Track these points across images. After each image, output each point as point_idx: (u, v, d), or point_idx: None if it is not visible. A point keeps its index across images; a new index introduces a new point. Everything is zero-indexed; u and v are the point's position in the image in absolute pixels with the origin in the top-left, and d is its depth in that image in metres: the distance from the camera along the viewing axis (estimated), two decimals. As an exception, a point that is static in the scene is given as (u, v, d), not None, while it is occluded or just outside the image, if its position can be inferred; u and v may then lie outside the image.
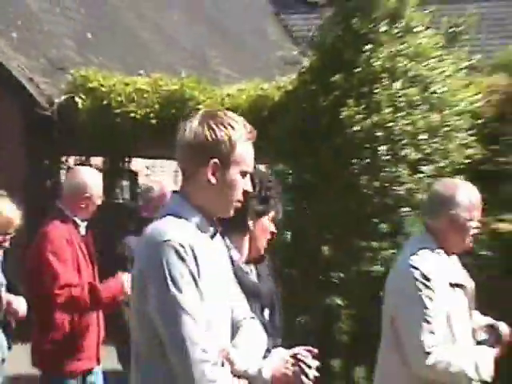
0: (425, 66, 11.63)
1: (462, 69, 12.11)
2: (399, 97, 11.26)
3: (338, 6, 12.26)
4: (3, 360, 6.96)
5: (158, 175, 16.81)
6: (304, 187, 11.53)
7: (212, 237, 4.01)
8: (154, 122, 14.54)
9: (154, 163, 17.31)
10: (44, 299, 7.04)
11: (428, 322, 5.32)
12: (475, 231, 5.68)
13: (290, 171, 11.91)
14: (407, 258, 5.57)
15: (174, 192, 4.12)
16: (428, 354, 5.28)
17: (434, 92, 11.50)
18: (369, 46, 11.47)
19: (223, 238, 4.26)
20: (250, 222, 5.12)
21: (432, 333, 5.31)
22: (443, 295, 5.44)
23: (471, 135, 11.52)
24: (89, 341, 7.27)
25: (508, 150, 11.11)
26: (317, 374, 4.01)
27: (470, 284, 5.74)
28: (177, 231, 3.78)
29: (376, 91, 11.26)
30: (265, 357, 4.28)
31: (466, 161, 11.30)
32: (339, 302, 11.06)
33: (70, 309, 7.06)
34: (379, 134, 11.04)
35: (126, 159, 16.04)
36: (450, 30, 12.54)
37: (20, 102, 15.30)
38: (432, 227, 5.65)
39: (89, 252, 7.39)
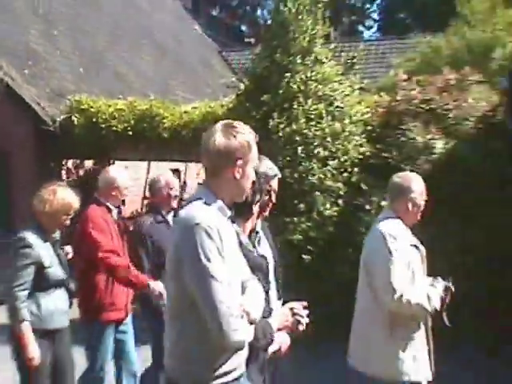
0: (329, 87, 11.70)
1: (355, 90, 12.19)
2: (311, 111, 11.33)
3: (265, 45, 12.29)
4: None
5: (135, 173, 16.64)
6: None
7: (229, 219, 4.00)
8: (130, 133, 14.43)
9: (131, 164, 17.19)
10: (89, 264, 6.99)
11: (396, 267, 5.37)
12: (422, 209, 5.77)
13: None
14: (379, 225, 5.65)
15: (200, 184, 4.08)
16: (395, 291, 5.34)
17: (337, 107, 11.58)
18: (288, 74, 11.52)
19: (233, 223, 4.21)
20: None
21: (399, 275, 5.37)
22: (406, 250, 5.51)
23: (363, 138, 11.62)
24: (120, 297, 7.20)
25: (389, 148, 11.15)
26: (307, 321, 4.10)
27: (422, 248, 5.79)
28: (205, 215, 3.75)
29: (294, 107, 11.32)
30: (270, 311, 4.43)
31: (360, 157, 11.41)
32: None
33: (109, 270, 7.00)
34: (297, 138, 11.10)
35: (111, 161, 15.92)
36: (347, 61, 12.55)
37: (31, 120, 15.20)
38: (395, 208, 5.72)
39: (120, 232, 7.29)
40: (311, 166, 11.01)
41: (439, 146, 10.98)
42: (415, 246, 5.68)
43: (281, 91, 11.44)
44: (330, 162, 11.14)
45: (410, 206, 5.67)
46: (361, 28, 44.01)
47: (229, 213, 3.96)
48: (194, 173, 17.01)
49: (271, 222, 11.09)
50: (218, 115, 13.58)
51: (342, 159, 11.29)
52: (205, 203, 3.86)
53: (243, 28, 42.73)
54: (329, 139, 11.20)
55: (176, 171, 18.06)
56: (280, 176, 5.36)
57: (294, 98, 11.37)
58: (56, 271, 6.29)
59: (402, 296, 5.35)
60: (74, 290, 6.71)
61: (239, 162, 3.89)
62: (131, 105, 14.89)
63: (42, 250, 6.21)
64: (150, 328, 7.50)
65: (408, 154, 10.96)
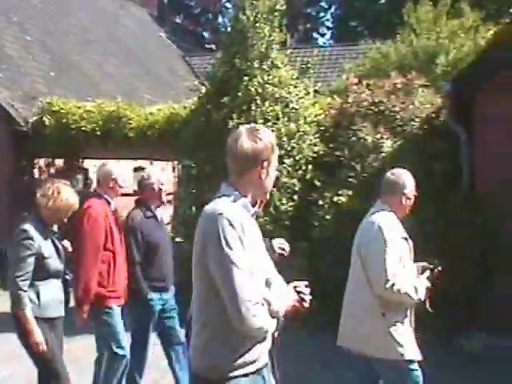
0: (285, 90, 11.77)
1: (309, 92, 12.28)
2: (268, 112, 11.39)
3: (225, 50, 12.34)
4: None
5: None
6: (202, 175, 11.54)
7: (253, 216, 3.89)
8: (98, 133, 14.41)
9: (99, 162, 17.13)
10: (83, 256, 6.91)
11: (389, 257, 5.44)
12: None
13: (193, 164, 11.91)
14: (374, 217, 5.70)
15: (225, 182, 3.93)
16: (388, 280, 5.40)
17: (292, 108, 11.66)
18: (246, 78, 11.57)
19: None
20: None
21: (392, 265, 5.44)
22: (398, 241, 5.57)
23: (317, 138, 11.70)
24: (120, 284, 7.09)
25: (340, 147, 11.24)
26: (310, 297, 4.00)
27: (410, 240, 5.85)
28: (228, 207, 3.69)
29: (252, 109, 11.38)
30: None
31: (314, 155, 11.50)
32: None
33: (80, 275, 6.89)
34: (255, 138, 11.13)
35: (80, 160, 15.89)
36: (302, 66, 12.63)
37: (5, 121, 15.14)
38: (388, 202, 5.76)
39: (117, 223, 7.18)
40: (268, 164, 11.04)
41: (387, 145, 11.09)
42: (405, 238, 5.76)
43: (240, 94, 11.49)
44: (286, 161, 11.21)
45: (403, 200, 5.76)
46: (315, 35, 44.08)
47: (253, 209, 3.87)
48: (159, 170, 16.96)
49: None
50: (182, 117, 13.61)
51: (297, 157, 11.37)
52: (229, 199, 3.78)
53: (205, 34, 42.64)
54: (284, 139, 11.27)
55: (141, 169, 17.99)
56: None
57: (252, 101, 11.43)
58: (54, 262, 6.25)
59: (393, 285, 5.42)
60: (70, 281, 6.68)
61: (265, 164, 3.82)
62: (99, 106, 14.87)
63: (42, 241, 6.17)
64: (136, 316, 7.40)
65: (358, 152, 11.06)
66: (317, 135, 11.73)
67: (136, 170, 15.88)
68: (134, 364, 7.26)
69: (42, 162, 15.88)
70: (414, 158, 10.75)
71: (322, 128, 11.89)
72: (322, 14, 43.53)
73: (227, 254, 3.59)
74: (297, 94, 11.89)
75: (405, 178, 5.81)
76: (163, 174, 14.88)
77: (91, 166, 16.82)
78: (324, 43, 39.34)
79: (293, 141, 11.37)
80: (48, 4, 23.69)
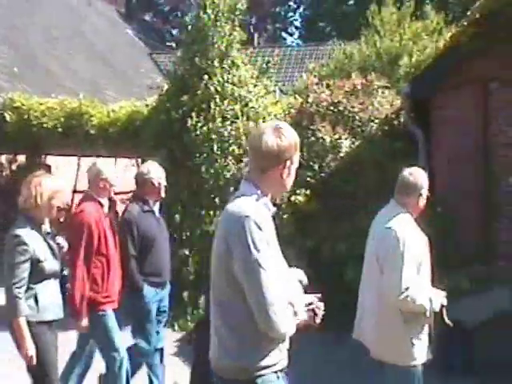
0: (245, 89, 11.79)
1: (270, 92, 12.32)
2: (227, 111, 11.42)
3: (186, 49, 12.34)
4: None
5: (65, 167, 16.52)
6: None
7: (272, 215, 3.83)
8: (60, 130, 14.31)
9: (61, 158, 17.00)
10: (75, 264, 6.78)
11: (405, 268, 5.37)
12: None
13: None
14: (392, 223, 5.58)
15: (245, 180, 3.88)
16: (402, 292, 5.35)
17: (252, 107, 11.68)
18: (206, 76, 11.58)
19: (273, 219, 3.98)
20: None
21: (406, 277, 5.36)
22: (415, 248, 5.49)
23: (276, 137, 11.73)
24: (113, 289, 7.00)
25: (300, 147, 11.19)
26: (323, 313, 3.90)
27: (426, 239, 5.79)
28: (254, 208, 3.62)
29: (211, 107, 11.38)
30: None
31: (273, 154, 11.51)
32: (187, 252, 11.17)
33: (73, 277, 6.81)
34: (213, 136, 11.18)
35: (42, 156, 15.80)
36: (263, 66, 12.66)
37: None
38: (405, 202, 5.67)
39: (111, 225, 7.06)
40: (226, 163, 11.11)
41: (346, 145, 11.15)
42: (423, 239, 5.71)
43: (199, 92, 11.51)
44: (244, 160, 11.23)
45: (420, 201, 5.69)
46: (285, 35, 44.22)
47: (273, 209, 3.82)
48: (123, 166, 16.92)
49: (189, 214, 11.26)
50: (143, 114, 13.57)
51: (256, 157, 11.38)
52: (252, 198, 3.71)
53: (174, 32, 42.58)
54: (243, 138, 11.30)
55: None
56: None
57: (211, 99, 11.45)
58: (50, 263, 6.05)
59: (407, 296, 5.36)
60: (67, 280, 6.65)
61: (288, 163, 3.77)
62: (62, 103, 14.77)
63: (36, 244, 5.97)
64: (132, 313, 7.35)
65: (316, 152, 11.11)
66: (276, 134, 11.76)
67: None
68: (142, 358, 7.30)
69: (3, 158, 15.78)
70: (372, 159, 10.86)
71: (282, 127, 11.92)
72: (290, 14, 43.64)
73: (255, 258, 3.53)
74: (257, 94, 11.91)
75: (422, 179, 5.71)
76: (128, 172, 14.93)
77: (53, 161, 16.82)
78: (292, 43, 39.36)
79: (251, 140, 11.38)
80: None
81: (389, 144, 11.01)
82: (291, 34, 44.30)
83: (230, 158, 11.14)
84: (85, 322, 6.75)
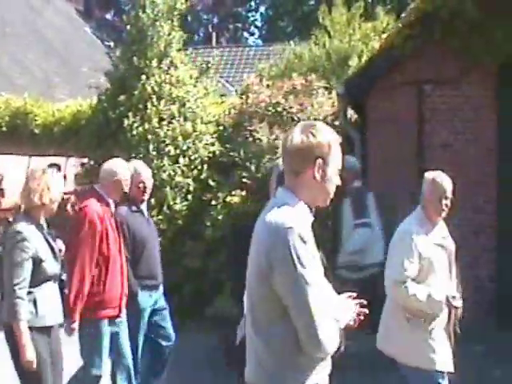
0: (183, 90, 11.76)
1: (209, 92, 12.32)
2: (164, 111, 11.38)
3: (125, 48, 12.30)
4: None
5: (11, 166, 16.37)
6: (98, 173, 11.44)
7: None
8: (4, 129, 14.18)
9: (12, 158, 16.86)
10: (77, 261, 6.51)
11: (407, 261, 5.43)
12: None
13: (92, 162, 11.83)
14: (406, 224, 5.72)
15: (282, 187, 3.59)
16: (399, 275, 5.42)
17: (189, 108, 11.65)
18: (144, 77, 11.52)
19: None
20: None
21: (406, 268, 5.42)
22: (424, 249, 5.51)
23: (215, 138, 11.73)
24: (115, 294, 6.68)
25: (236, 148, 11.25)
26: (366, 311, 3.73)
27: (451, 246, 5.78)
28: (295, 219, 3.36)
29: (148, 107, 11.34)
30: None
31: (210, 155, 11.52)
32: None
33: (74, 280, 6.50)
34: (149, 137, 11.14)
35: (-13, 155, 15.68)
36: (202, 66, 12.63)
37: None
38: (423, 203, 5.73)
39: (116, 226, 6.79)
40: (162, 164, 11.06)
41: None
42: (440, 245, 5.68)
43: (136, 92, 11.45)
44: (181, 160, 11.21)
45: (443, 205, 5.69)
46: (246, 34, 44.21)
47: (311, 218, 3.55)
48: (73, 167, 16.80)
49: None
50: (88, 114, 13.48)
51: (193, 157, 11.38)
52: (291, 207, 3.44)
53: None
54: (180, 138, 11.28)
55: (55, 165, 17.80)
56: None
57: (148, 100, 11.39)
58: (51, 264, 5.81)
59: (403, 282, 5.39)
60: (65, 281, 6.34)
61: (319, 162, 3.46)
62: (7, 102, 14.64)
63: (38, 243, 5.73)
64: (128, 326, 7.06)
65: (253, 153, 11.09)
66: (215, 135, 11.75)
67: (50, 166, 15.70)
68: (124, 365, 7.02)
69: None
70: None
71: (221, 128, 11.91)
72: (252, 14, 43.67)
73: (301, 273, 3.30)
74: (195, 94, 11.88)
75: (445, 182, 5.72)
76: (75, 171, 14.81)
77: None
78: (253, 43, 39.32)
79: (188, 140, 11.36)
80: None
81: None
82: (252, 34, 44.32)
83: (166, 158, 11.09)
84: (75, 325, 6.46)
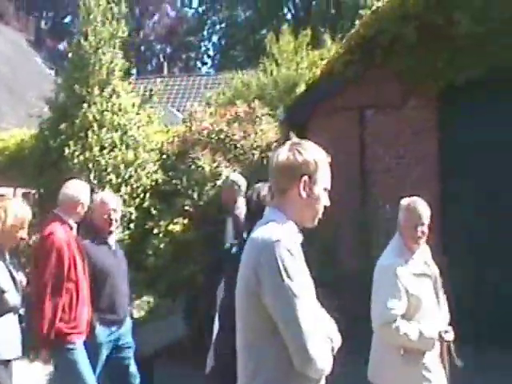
0: (125, 118, 11.65)
1: (153, 121, 12.23)
2: (105, 140, 11.25)
3: (67, 76, 12.18)
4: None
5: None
6: (42, 199, 11.22)
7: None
8: None
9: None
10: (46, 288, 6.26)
11: (394, 298, 5.20)
12: None
13: (33, 191, 11.67)
14: (386, 257, 5.49)
15: (269, 206, 3.55)
16: (386, 315, 5.19)
17: (131, 136, 11.53)
18: (85, 105, 11.39)
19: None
20: None
21: (393, 307, 5.19)
22: (409, 283, 5.28)
23: (157, 166, 11.63)
24: (83, 318, 6.48)
25: (179, 176, 11.16)
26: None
27: (435, 272, 5.58)
28: (282, 233, 3.31)
29: (89, 136, 11.19)
30: None
31: (152, 183, 11.41)
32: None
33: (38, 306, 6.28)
34: (90, 165, 10.99)
35: None
36: (145, 94, 12.55)
37: None
38: (400, 230, 5.50)
39: (80, 250, 6.53)
40: (104, 192, 10.91)
41: (225, 173, 11.05)
42: (424, 273, 5.47)
43: (77, 121, 11.31)
44: (123, 189, 11.07)
45: (415, 229, 5.45)
46: (199, 64, 44.35)
47: (300, 236, 3.48)
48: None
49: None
50: (31, 143, 13.31)
51: (135, 186, 11.26)
52: (278, 223, 3.39)
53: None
54: (122, 167, 11.14)
55: (1, 196, 17.51)
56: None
57: (89, 128, 11.25)
58: (13, 296, 5.62)
59: (392, 322, 5.18)
60: (23, 316, 5.99)
61: (304, 179, 3.42)
62: (-48, 131, 14.43)
63: (0, 273, 5.56)
64: None
65: (196, 180, 10.99)
66: (158, 163, 11.64)
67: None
68: None
69: None
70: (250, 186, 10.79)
71: (165, 156, 11.81)
72: (204, 44, 43.84)
73: (289, 287, 3.24)
74: (137, 122, 11.78)
75: (420, 208, 5.48)
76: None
77: None
78: (206, 72, 39.33)
79: (130, 169, 11.24)
80: None
81: (266, 172, 10.96)
82: (205, 64, 44.47)
83: (108, 187, 10.92)
84: (49, 354, 6.27)
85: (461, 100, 10.50)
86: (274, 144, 11.52)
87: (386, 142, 10.44)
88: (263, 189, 5.19)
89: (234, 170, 11.19)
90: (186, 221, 10.79)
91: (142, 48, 42.08)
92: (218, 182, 10.89)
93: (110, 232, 7.05)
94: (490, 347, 8.88)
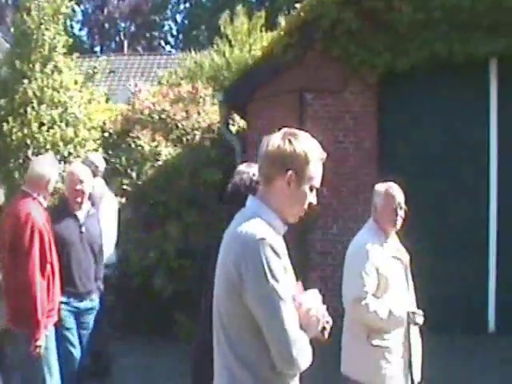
0: (66, 95, 11.53)
1: (94, 99, 12.14)
2: (43, 116, 11.13)
3: (9, 52, 12.07)
4: None
5: None
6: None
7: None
8: None
9: None
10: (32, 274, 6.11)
11: (365, 276, 5.25)
12: None
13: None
14: (359, 239, 5.54)
15: (252, 196, 3.39)
16: (357, 293, 5.24)
17: (72, 113, 11.42)
18: (26, 81, 11.27)
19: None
20: None
21: (364, 284, 5.24)
22: (381, 263, 5.32)
23: (99, 144, 11.54)
24: (56, 301, 6.37)
25: (119, 155, 11.12)
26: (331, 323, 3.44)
27: (406, 258, 5.63)
28: (267, 230, 3.17)
29: (28, 112, 11.07)
30: None
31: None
32: None
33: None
34: (28, 142, 10.89)
35: None
36: (88, 72, 12.44)
37: None
38: (375, 215, 5.56)
39: (51, 229, 6.38)
40: (43, 169, 10.80)
41: (165, 153, 11.01)
42: (396, 257, 5.53)
43: (17, 97, 11.18)
44: (61, 166, 10.93)
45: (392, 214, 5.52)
46: (162, 43, 44.10)
47: (283, 228, 3.34)
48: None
49: None
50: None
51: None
52: (261, 217, 3.24)
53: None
54: (60, 144, 11.02)
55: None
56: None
57: (28, 104, 11.14)
58: None
59: (362, 299, 5.23)
60: None
61: (290, 173, 3.25)
62: None
63: None
64: None
65: (135, 159, 10.93)
66: (99, 141, 11.55)
67: None
68: None
69: None
70: (189, 167, 10.77)
71: (106, 135, 11.73)
72: (168, 23, 43.61)
73: (273, 287, 3.11)
74: (79, 100, 11.68)
75: (398, 193, 5.58)
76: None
77: None
78: (169, 51, 39.07)
79: (69, 146, 11.15)
80: None
81: (207, 152, 10.95)
82: (167, 43, 44.20)
83: (46, 164, 10.84)
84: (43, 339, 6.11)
85: (401, 86, 10.54)
86: (217, 125, 11.52)
87: (325, 127, 10.40)
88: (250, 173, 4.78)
89: (175, 150, 11.17)
90: (123, 200, 10.70)
91: (106, 25, 41.76)
92: (158, 162, 10.87)
93: (79, 203, 6.93)
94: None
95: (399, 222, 5.59)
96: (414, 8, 9.94)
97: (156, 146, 10.93)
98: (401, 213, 5.56)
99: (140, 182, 10.81)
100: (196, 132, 11.38)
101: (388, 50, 10.15)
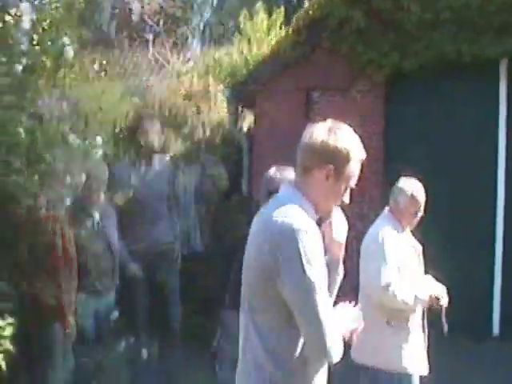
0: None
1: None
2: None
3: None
4: None
5: None
6: None
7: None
8: None
9: None
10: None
11: (387, 264, 5.36)
12: None
13: None
14: (377, 227, 5.64)
15: (286, 184, 3.42)
16: (383, 281, 5.31)
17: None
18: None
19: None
20: None
21: (388, 271, 5.34)
22: (399, 250, 5.47)
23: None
24: None
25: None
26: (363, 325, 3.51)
27: (419, 248, 5.78)
28: (303, 217, 3.15)
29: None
30: None
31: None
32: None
33: None
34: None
35: None
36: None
37: None
38: (394, 210, 5.67)
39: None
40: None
41: (173, 148, 11.08)
42: (412, 245, 5.69)
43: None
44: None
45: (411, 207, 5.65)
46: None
47: (316, 217, 3.30)
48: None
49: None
50: None
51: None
52: (297, 205, 3.21)
53: None
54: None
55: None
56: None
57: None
58: None
59: (388, 287, 5.29)
60: None
61: (330, 168, 3.25)
62: None
63: None
64: None
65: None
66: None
67: None
68: None
69: None
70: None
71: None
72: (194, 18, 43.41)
73: (309, 278, 3.07)
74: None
75: (422, 195, 5.70)
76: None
77: None
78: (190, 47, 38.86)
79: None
80: None
81: (218, 148, 11.03)
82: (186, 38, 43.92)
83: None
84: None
85: (408, 85, 10.50)
86: (225, 121, 11.59)
87: (333, 125, 10.40)
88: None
89: (185, 145, 11.25)
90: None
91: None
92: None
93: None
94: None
95: (415, 222, 5.76)
96: (423, 8, 9.91)
97: (165, 142, 11.00)
98: (419, 214, 5.70)
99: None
100: (206, 128, 11.43)
101: (396, 50, 10.14)
